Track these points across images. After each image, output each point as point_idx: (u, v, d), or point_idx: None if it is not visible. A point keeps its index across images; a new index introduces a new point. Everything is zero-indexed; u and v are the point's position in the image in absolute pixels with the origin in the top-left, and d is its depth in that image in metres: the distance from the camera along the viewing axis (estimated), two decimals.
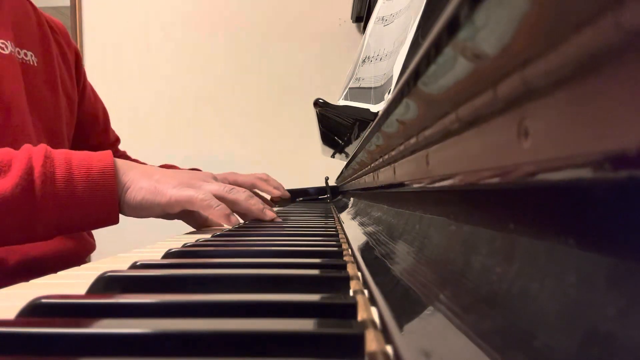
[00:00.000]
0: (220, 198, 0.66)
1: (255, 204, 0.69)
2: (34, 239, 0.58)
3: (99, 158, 0.60)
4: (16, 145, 0.67)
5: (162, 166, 1.01)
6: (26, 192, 0.54)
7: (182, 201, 0.63)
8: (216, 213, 0.64)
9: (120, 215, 0.63)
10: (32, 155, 0.56)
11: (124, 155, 1.09)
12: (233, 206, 0.68)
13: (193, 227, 0.81)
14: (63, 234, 0.61)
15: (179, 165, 1.19)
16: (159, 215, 0.67)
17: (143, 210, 0.62)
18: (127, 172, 0.61)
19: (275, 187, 0.99)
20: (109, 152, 0.61)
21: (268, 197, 0.99)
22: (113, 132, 1.08)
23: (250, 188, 0.82)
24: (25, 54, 0.80)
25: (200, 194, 0.63)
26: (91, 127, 0.99)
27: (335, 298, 0.24)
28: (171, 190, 0.62)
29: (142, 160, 1.10)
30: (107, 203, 0.59)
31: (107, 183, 0.58)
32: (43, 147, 0.58)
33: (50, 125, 0.83)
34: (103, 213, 0.59)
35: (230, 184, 0.73)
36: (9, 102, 0.74)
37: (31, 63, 0.81)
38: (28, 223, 0.55)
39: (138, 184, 0.61)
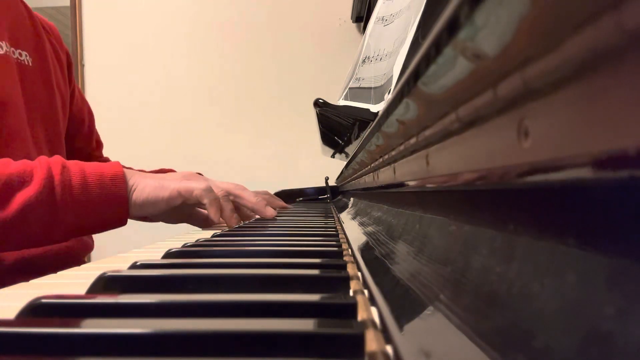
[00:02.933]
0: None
1: (235, 218, 0.74)
2: (53, 242, 0.63)
3: (110, 166, 0.65)
4: (14, 144, 0.69)
5: (159, 170, 1.04)
6: (48, 198, 0.59)
7: (182, 191, 0.67)
8: (211, 204, 0.69)
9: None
10: (50, 165, 0.61)
11: (107, 161, 1.10)
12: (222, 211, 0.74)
13: (197, 226, 0.82)
14: (78, 236, 0.66)
15: (178, 166, 1.20)
16: (163, 211, 0.69)
17: (149, 206, 0.66)
18: (132, 177, 0.67)
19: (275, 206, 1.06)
20: (117, 162, 0.67)
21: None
22: (97, 136, 1.10)
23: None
24: (20, 54, 0.82)
25: (201, 185, 0.69)
26: (77, 129, 1.01)
27: (335, 298, 0.24)
28: (172, 184, 0.68)
29: (135, 163, 1.12)
30: (119, 206, 0.64)
31: (118, 189, 0.63)
32: (59, 158, 0.63)
33: (48, 124, 0.85)
34: (114, 215, 0.64)
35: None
36: (5, 101, 0.76)
37: (26, 63, 0.83)
38: (49, 226, 0.60)
39: (142, 183, 0.66)
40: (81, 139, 1.03)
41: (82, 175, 0.62)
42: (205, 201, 0.69)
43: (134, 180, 0.66)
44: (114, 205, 0.63)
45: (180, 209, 0.73)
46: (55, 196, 0.59)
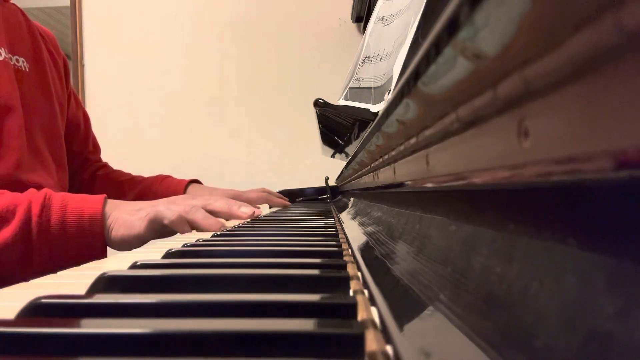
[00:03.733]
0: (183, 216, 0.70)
1: (213, 224, 0.70)
2: (29, 275, 0.63)
3: (90, 205, 0.66)
4: (10, 148, 0.71)
5: (159, 176, 1.04)
6: (24, 239, 0.62)
7: (150, 224, 0.67)
8: (174, 222, 0.68)
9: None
10: (32, 203, 0.63)
11: (105, 166, 1.11)
12: (192, 224, 0.71)
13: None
14: (56, 270, 0.66)
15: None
16: (139, 246, 0.68)
17: (125, 245, 0.67)
18: (112, 212, 0.68)
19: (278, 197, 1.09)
20: (101, 198, 0.68)
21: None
22: (94, 139, 1.11)
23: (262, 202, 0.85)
24: (18, 60, 0.84)
25: (167, 213, 0.67)
26: (73, 134, 1.02)
27: (335, 298, 0.24)
28: (140, 220, 0.67)
29: (134, 163, 1.12)
30: (95, 246, 0.66)
31: (94, 230, 0.65)
32: (43, 193, 0.65)
33: (47, 127, 0.86)
34: (91, 253, 0.66)
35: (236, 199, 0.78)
36: (4, 106, 0.77)
37: (23, 69, 0.84)
38: (25, 263, 0.63)
39: (119, 221, 0.67)
40: (77, 143, 1.04)
41: (62, 214, 0.64)
42: (177, 229, 0.68)
43: (112, 218, 0.67)
44: (90, 245, 0.65)
45: (163, 232, 0.71)
46: (31, 237, 0.62)
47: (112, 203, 0.69)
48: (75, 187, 1.00)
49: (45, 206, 0.63)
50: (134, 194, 1.03)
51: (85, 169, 1.07)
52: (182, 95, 1.97)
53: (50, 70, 0.91)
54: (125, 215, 0.67)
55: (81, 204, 0.65)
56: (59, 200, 0.65)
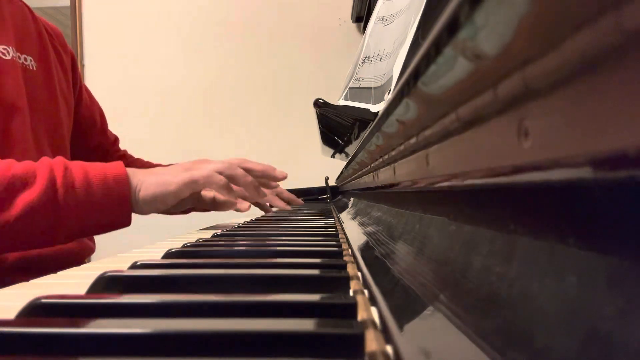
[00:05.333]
0: (220, 173, 0.72)
1: (251, 182, 0.74)
2: (56, 243, 0.62)
3: (113, 166, 0.65)
4: (17, 149, 0.70)
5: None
6: (50, 200, 0.59)
7: (187, 182, 0.68)
8: (217, 186, 0.70)
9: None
10: (52, 166, 0.61)
11: (125, 155, 1.10)
12: (232, 181, 0.74)
13: (207, 208, 0.85)
14: (81, 237, 0.67)
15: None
16: (173, 204, 0.70)
17: (158, 203, 0.67)
18: (136, 175, 0.67)
19: (287, 200, 1.10)
20: (120, 162, 0.67)
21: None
22: (111, 132, 1.11)
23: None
24: (25, 59, 0.83)
25: (204, 172, 0.69)
26: (90, 130, 1.02)
27: (335, 298, 0.24)
28: (176, 177, 0.68)
29: (139, 157, 1.13)
30: (122, 207, 0.64)
31: (121, 189, 0.63)
32: (61, 159, 0.63)
33: (51, 129, 0.86)
34: (118, 216, 0.64)
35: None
36: (11, 106, 0.76)
37: (31, 67, 0.83)
38: (51, 228, 0.60)
39: (147, 181, 0.66)
40: (95, 137, 1.04)
41: (85, 176, 0.61)
42: (214, 187, 0.69)
43: (137, 179, 0.66)
44: (117, 206, 0.63)
45: (188, 197, 0.73)
46: (57, 198, 0.59)
47: (131, 169, 0.68)
48: None
49: (67, 169, 0.61)
50: None
51: (106, 161, 1.07)
52: (182, 96, 1.97)
53: (57, 69, 0.90)
54: (152, 177, 0.67)
55: (102, 167, 0.64)
56: (79, 165, 0.63)
